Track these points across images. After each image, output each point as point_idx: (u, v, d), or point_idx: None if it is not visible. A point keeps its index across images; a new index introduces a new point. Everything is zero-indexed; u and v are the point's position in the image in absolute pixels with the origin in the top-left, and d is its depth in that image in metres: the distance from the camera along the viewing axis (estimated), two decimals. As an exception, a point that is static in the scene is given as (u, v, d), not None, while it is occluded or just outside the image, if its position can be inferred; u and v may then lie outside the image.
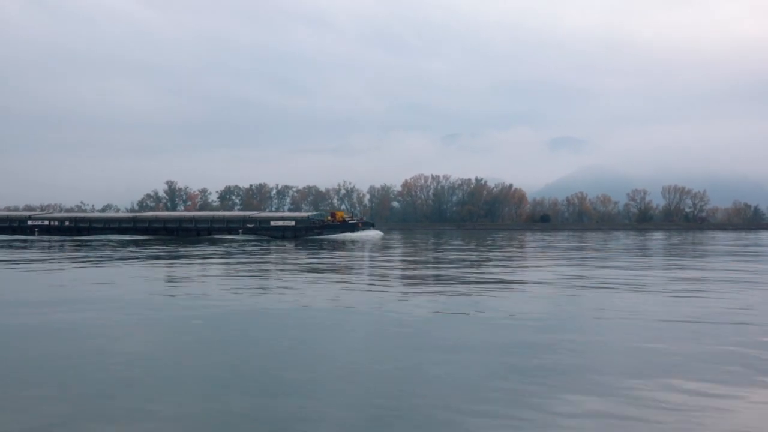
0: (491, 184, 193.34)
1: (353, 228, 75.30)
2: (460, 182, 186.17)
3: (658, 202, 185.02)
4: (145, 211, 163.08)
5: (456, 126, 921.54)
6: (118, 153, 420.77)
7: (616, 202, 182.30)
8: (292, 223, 76.84)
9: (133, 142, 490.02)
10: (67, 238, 71.70)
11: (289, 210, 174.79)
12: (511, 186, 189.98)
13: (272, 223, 77.39)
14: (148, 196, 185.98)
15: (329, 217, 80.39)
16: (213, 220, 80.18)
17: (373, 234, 76.07)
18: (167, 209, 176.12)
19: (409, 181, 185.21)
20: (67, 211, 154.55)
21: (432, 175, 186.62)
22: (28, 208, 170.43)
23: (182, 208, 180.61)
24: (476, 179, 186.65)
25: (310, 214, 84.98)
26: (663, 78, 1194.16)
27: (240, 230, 75.14)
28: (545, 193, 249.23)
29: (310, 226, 75.74)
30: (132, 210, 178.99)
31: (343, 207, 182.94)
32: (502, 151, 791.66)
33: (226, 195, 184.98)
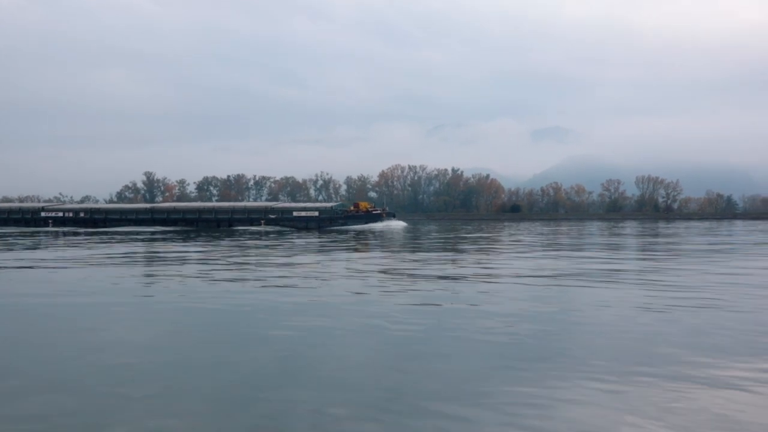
0: (468, 174, 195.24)
1: (377, 218, 73.85)
2: (436, 172, 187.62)
3: (634, 191, 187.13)
4: (123, 202, 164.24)
5: (448, 117, 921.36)
6: (108, 144, 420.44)
7: (590, 192, 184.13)
8: (316, 213, 75.39)
9: (124, 133, 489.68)
10: (89, 229, 69.28)
11: (267, 200, 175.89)
12: (487, 176, 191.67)
13: (295, 213, 75.98)
14: (127, 187, 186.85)
15: (352, 207, 79.23)
16: (234, 210, 78.94)
17: (397, 224, 74.23)
18: (145, 200, 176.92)
19: (385, 171, 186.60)
20: (47, 201, 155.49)
21: (409, 166, 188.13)
22: (6, 199, 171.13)
23: (160, 199, 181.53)
24: (452, 169, 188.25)
25: (333, 204, 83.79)
26: (661, 69, 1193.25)
27: (262, 221, 74.11)
28: (533, 184, 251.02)
29: (334, 217, 74.40)
30: (111, 201, 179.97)
31: (320, 197, 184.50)
32: (494, 141, 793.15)
33: (203, 186, 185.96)
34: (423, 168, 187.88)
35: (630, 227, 70.17)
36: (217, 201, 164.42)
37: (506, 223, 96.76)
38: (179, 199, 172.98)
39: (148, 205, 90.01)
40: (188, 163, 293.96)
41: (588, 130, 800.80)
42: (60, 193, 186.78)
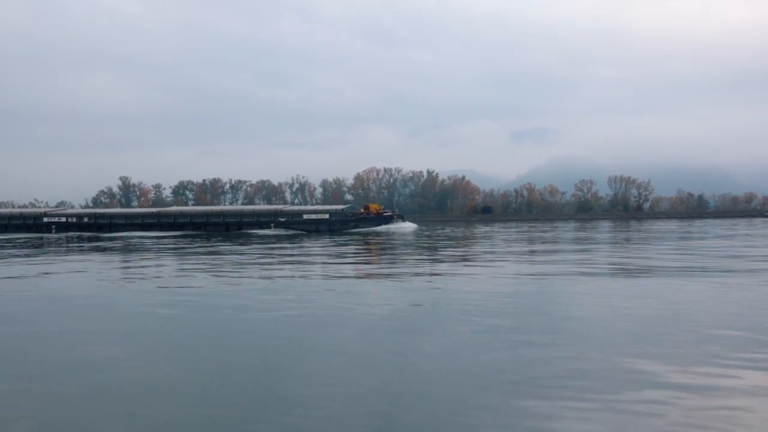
0: (449, 176, 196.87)
1: (389, 220, 74.03)
2: (411, 175, 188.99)
3: (608, 192, 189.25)
4: (99, 207, 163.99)
5: (436, 118, 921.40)
6: (87, 148, 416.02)
7: (563, 193, 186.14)
8: (326, 216, 74.96)
9: (104, 137, 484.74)
10: (99, 234, 69.06)
11: (243, 204, 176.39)
12: (463, 178, 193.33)
13: (305, 216, 75.55)
14: (102, 192, 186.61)
15: (362, 210, 79.13)
16: (242, 214, 78.40)
17: (409, 226, 74.85)
18: (121, 205, 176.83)
19: (361, 174, 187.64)
20: (21, 207, 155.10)
21: (384, 168, 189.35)
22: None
23: (136, 204, 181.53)
24: (428, 171, 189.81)
25: (343, 206, 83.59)
26: (648, 68, 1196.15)
27: (271, 224, 73.59)
28: (517, 185, 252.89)
29: (345, 219, 74.18)
30: (86, 206, 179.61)
31: (296, 201, 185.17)
32: (479, 142, 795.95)
33: (179, 190, 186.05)
34: (398, 170, 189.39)
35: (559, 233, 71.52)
36: (193, 204, 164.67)
37: (476, 226, 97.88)
38: (154, 204, 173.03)
39: (154, 210, 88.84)
40: (169, 167, 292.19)
41: (573, 131, 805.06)
42: (35, 199, 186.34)
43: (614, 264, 22.06)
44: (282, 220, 74.85)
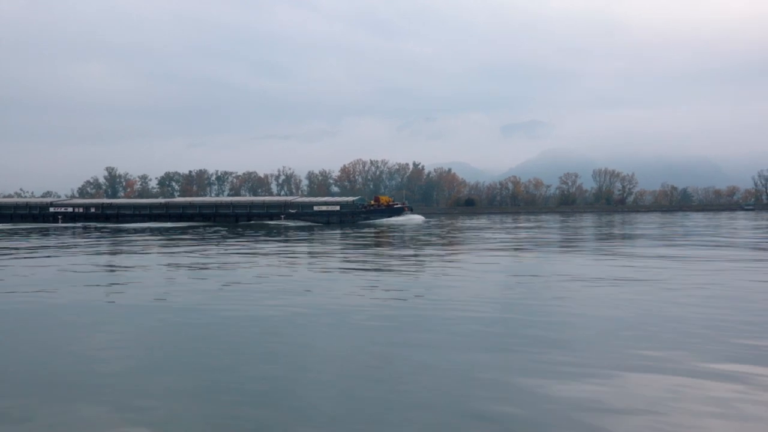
0: (439, 168, 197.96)
1: (400, 212, 74.13)
2: (397, 167, 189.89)
3: (593, 185, 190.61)
4: (86, 197, 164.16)
5: (429, 110, 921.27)
6: (76, 139, 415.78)
7: (548, 186, 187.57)
8: (337, 207, 74.76)
9: (96, 128, 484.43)
10: (106, 225, 68.49)
11: (229, 195, 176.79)
12: (449, 170, 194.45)
13: (315, 208, 75.42)
14: (88, 182, 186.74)
15: (373, 202, 79.05)
16: (252, 205, 78.08)
17: (418, 218, 75.17)
18: (108, 196, 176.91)
19: (347, 166, 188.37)
20: (7, 196, 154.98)
21: (371, 160, 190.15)
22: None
23: (122, 194, 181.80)
24: (414, 164, 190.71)
25: (354, 198, 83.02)
26: (644, 61, 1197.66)
27: (282, 216, 73.53)
28: (507, 177, 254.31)
29: (356, 211, 74.01)
30: (72, 196, 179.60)
31: (283, 192, 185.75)
32: (472, 135, 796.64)
33: (165, 181, 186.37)
34: (384, 162, 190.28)
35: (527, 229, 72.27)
36: (179, 195, 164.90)
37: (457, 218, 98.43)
38: (140, 195, 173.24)
39: (162, 200, 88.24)
40: (158, 159, 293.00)
41: (565, 124, 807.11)
42: (21, 189, 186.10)
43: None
44: (292, 211, 74.77)
